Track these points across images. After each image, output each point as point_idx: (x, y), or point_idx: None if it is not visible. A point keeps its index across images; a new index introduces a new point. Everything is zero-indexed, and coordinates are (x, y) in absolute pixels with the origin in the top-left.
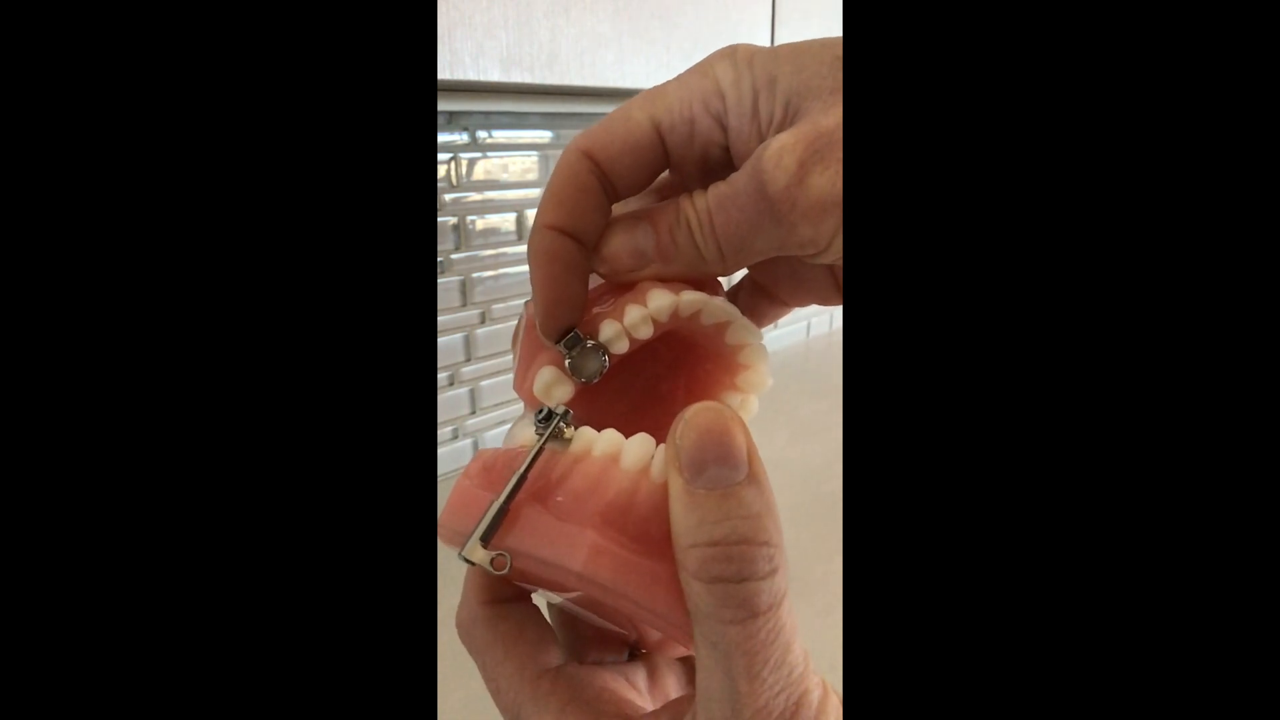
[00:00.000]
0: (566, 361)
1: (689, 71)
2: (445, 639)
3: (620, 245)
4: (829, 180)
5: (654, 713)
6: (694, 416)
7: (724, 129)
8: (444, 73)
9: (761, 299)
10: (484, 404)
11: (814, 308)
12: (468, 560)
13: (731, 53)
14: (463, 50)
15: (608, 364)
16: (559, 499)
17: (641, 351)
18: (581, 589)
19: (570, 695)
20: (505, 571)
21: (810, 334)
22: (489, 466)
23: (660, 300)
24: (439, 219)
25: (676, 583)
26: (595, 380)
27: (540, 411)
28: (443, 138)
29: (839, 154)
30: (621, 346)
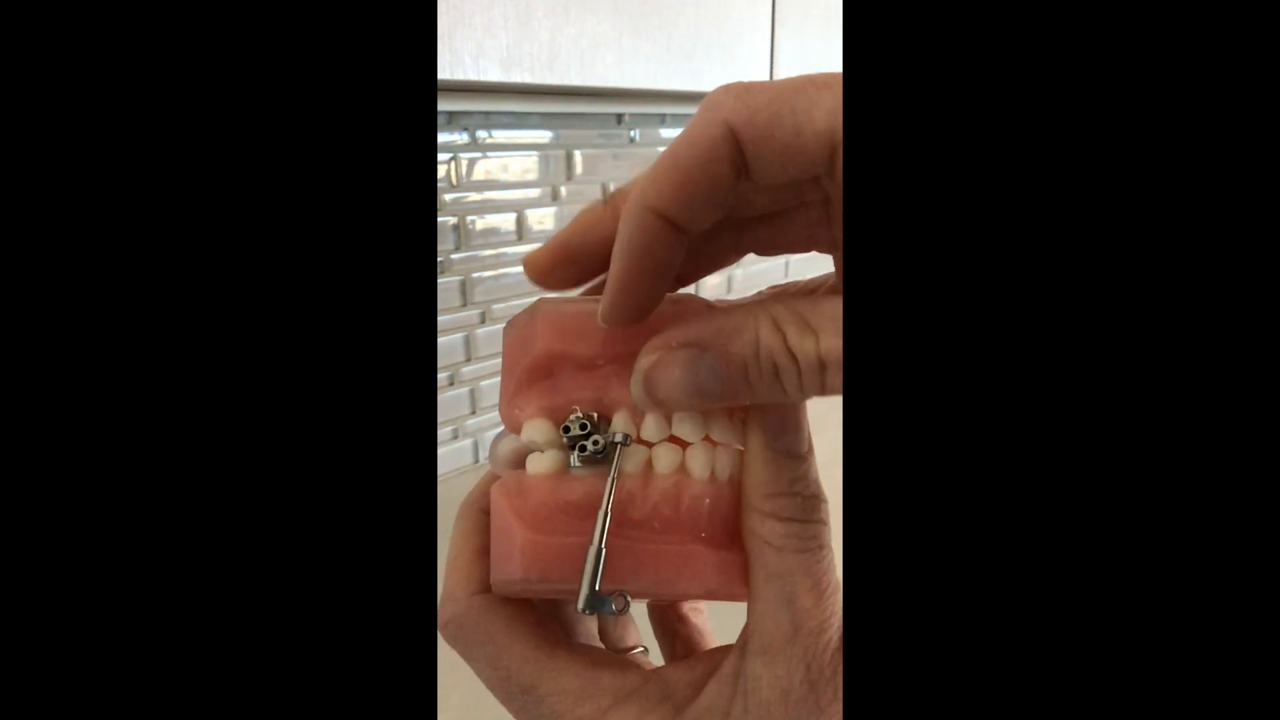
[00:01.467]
0: (564, 439)
1: None
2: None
3: (678, 384)
4: None
5: (688, 661)
6: None
7: None
8: (444, 73)
9: (733, 239)
10: (484, 404)
11: None
12: (591, 611)
13: None
14: (463, 50)
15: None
16: (646, 522)
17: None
18: (700, 599)
19: (593, 658)
20: (624, 610)
21: None
22: (547, 511)
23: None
24: (439, 219)
25: (742, 562)
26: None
27: (595, 442)
28: (443, 138)
29: None
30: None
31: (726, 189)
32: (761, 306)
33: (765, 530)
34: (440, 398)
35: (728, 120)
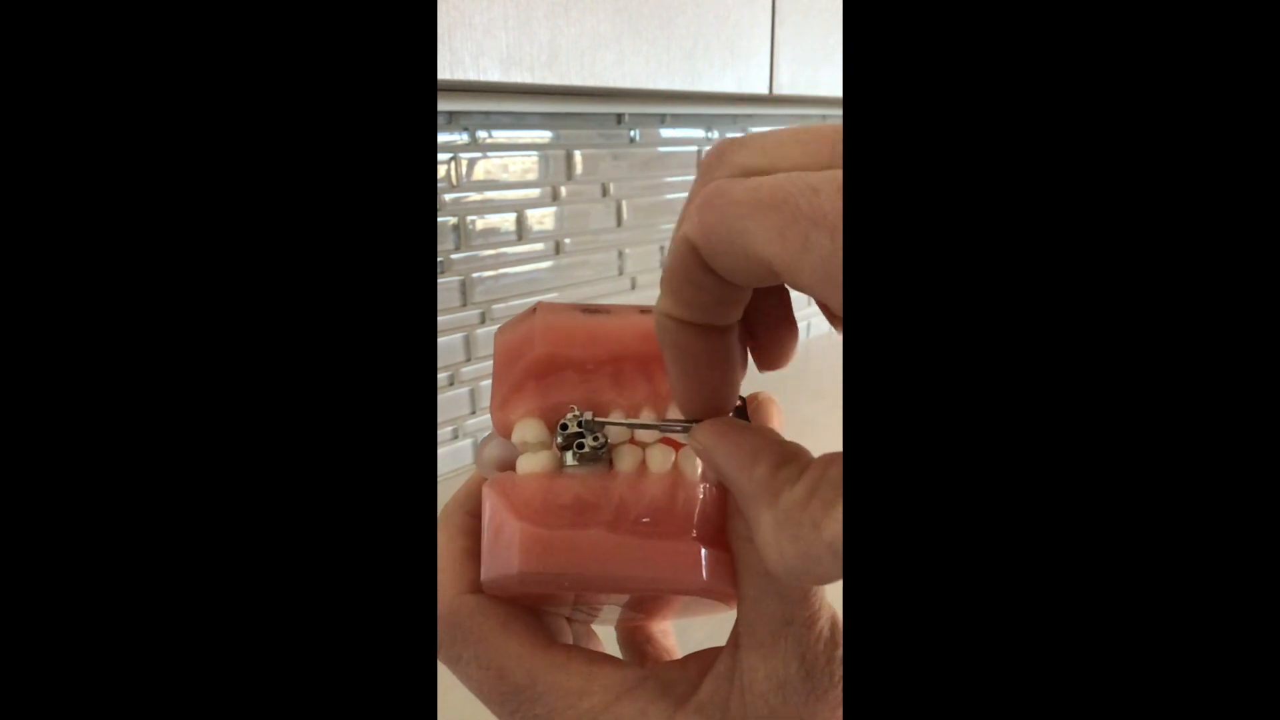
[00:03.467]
0: (557, 439)
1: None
2: None
3: None
4: None
5: (682, 660)
6: (766, 404)
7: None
8: (444, 73)
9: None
10: (484, 404)
11: (813, 307)
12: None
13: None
14: (463, 50)
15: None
16: (639, 520)
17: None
18: (692, 595)
19: (589, 656)
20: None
21: (810, 334)
22: (543, 506)
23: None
24: (439, 219)
25: (729, 562)
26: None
27: (596, 438)
28: (443, 138)
29: None
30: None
31: (718, 291)
32: (762, 499)
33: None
34: (440, 398)
35: (687, 236)
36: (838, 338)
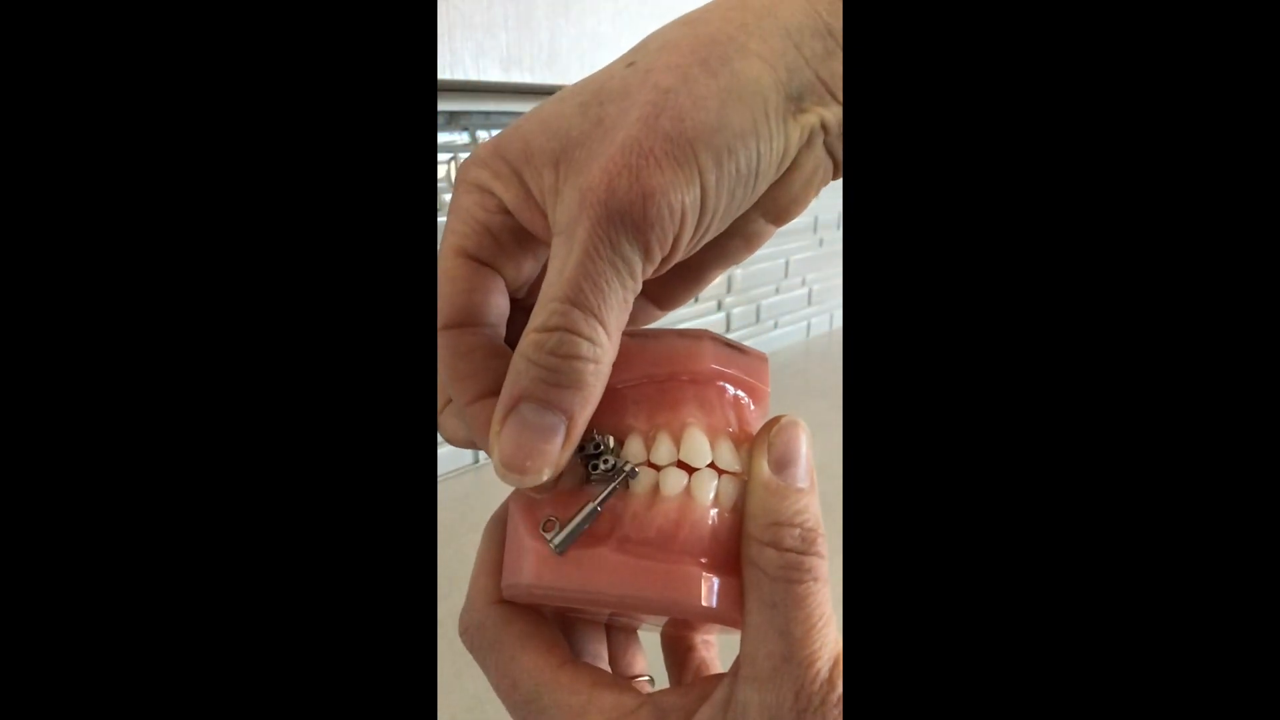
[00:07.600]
0: (578, 456)
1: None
2: (445, 639)
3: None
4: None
5: (683, 687)
6: (789, 427)
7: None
8: (444, 73)
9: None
10: None
11: (813, 307)
12: (560, 550)
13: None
14: (463, 50)
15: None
16: (650, 541)
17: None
18: (698, 620)
19: (595, 679)
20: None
21: (810, 334)
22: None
23: (702, 451)
24: (439, 219)
25: (741, 589)
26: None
27: (606, 461)
28: (443, 138)
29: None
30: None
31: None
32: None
33: (763, 559)
34: None
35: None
36: (838, 338)
